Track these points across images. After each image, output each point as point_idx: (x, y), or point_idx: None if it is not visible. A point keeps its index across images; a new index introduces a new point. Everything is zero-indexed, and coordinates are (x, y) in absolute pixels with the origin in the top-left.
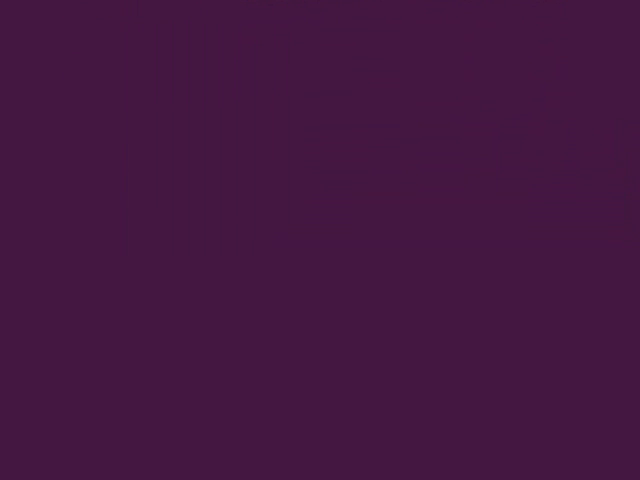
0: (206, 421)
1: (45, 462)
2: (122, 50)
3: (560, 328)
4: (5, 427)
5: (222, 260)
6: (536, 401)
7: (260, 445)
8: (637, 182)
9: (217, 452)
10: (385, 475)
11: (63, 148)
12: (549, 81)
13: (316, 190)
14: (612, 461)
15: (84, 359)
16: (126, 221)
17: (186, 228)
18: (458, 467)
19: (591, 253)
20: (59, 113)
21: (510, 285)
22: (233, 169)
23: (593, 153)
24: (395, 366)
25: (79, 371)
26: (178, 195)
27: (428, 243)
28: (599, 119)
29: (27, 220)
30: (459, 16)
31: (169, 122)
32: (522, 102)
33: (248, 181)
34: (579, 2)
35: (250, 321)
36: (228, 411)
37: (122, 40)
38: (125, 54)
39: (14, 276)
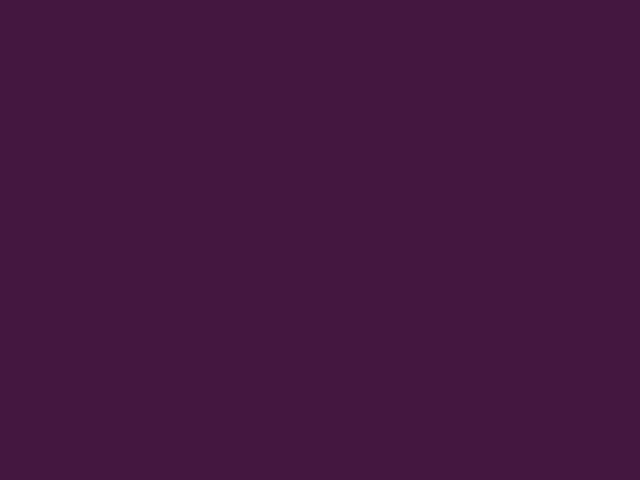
0: (205, 421)
1: (45, 462)
2: (122, 50)
3: (559, 328)
4: (5, 427)
5: (222, 259)
6: (535, 401)
7: (260, 445)
8: (637, 182)
9: (217, 452)
10: (385, 475)
11: (63, 147)
12: (549, 81)
13: (316, 190)
14: (612, 461)
15: (84, 358)
16: (126, 220)
17: (186, 227)
18: (458, 467)
19: (590, 253)
20: (59, 113)
21: (509, 286)
22: (233, 168)
23: (593, 153)
24: (394, 367)
25: (79, 370)
26: (178, 194)
27: (428, 243)
28: (599, 119)
29: (27, 220)
30: (459, 16)
31: (169, 122)
32: (522, 102)
33: (248, 181)
34: (579, 2)
35: (249, 321)
36: (228, 411)
37: (122, 40)
38: (125, 54)
39: (14, 276)
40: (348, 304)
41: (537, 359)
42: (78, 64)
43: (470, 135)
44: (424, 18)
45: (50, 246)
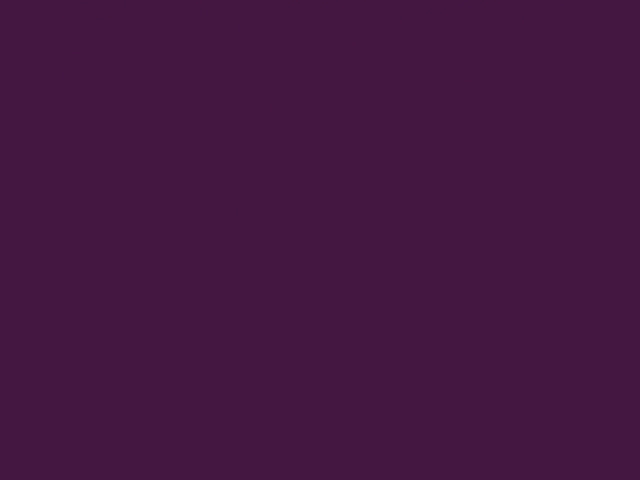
0: (205, 421)
1: (45, 462)
2: (122, 50)
3: (560, 328)
4: (5, 427)
5: (222, 259)
6: (535, 401)
7: (260, 445)
8: (637, 182)
9: (217, 452)
10: (385, 475)
11: (63, 147)
12: (549, 81)
13: (316, 190)
14: (612, 461)
15: (84, 358)
16: (126, 220)
17: (186, 227)
18: (458, 467)
19: (590, 253)
20: (59, 112)
21: (509, 285)
22: (233, 168)
23: (593, 153)
24: (395, 367)
25: (79, 370)
26: (178, 194)
27: (428, 243)
28: (599, 119)
29: (27, 220)
30: (459, 16)
31: (169, 122)
32: (522, 102)
33: (248, 181)
34: (579, 2)
35: (249, 321)
36: (228, 411)
37: (122, 40)
38: (125, 54)
39: (14, 276)
40: (348, 304)
41: (537, 359)
42: (78, 64)
43: (470, 135)
44: (424, 18)
45: (50, 246)
